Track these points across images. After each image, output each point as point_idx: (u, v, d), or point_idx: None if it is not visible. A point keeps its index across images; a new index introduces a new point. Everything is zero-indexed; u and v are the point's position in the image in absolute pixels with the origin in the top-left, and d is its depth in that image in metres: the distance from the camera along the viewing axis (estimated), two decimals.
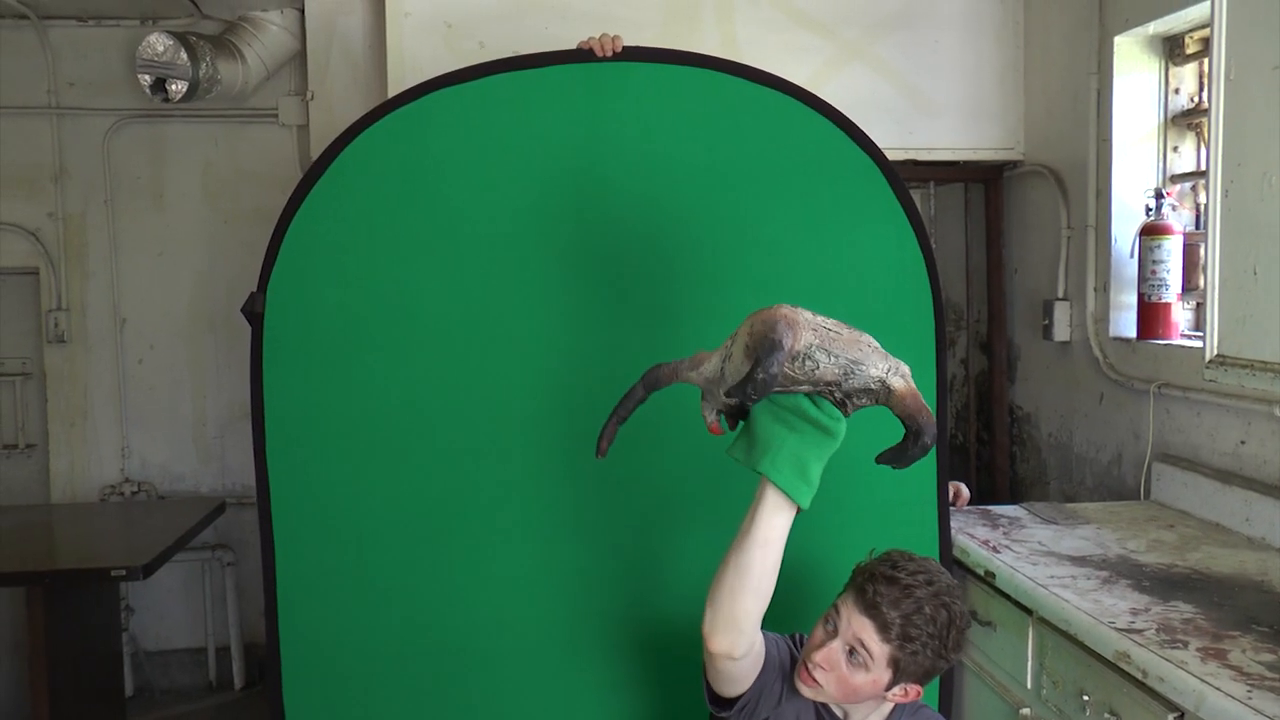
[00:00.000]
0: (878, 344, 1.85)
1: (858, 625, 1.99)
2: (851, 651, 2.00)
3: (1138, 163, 3.43)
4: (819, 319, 1.83)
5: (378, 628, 2.63)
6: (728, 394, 1.84)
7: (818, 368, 1.80)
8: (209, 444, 4.82)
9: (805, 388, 1.85)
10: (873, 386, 1.82)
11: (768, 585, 1.95)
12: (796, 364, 1.80)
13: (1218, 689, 1.84)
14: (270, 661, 2.64)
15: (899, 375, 1.83)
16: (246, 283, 2.85)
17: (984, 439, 4.37)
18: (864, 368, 1.81)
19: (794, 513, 1.93)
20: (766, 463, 1.89)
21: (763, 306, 1.87)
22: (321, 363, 2.62)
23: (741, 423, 1.95)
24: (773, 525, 1.92)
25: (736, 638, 1.97)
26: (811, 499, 1.91)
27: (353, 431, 2.61)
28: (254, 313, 2.59)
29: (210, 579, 4.83)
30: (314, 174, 2.62)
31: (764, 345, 1.77)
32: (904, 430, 1.84)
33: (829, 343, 1.80)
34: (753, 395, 1.79)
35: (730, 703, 2.12)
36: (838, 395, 1.86)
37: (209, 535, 4.62)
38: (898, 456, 1.85)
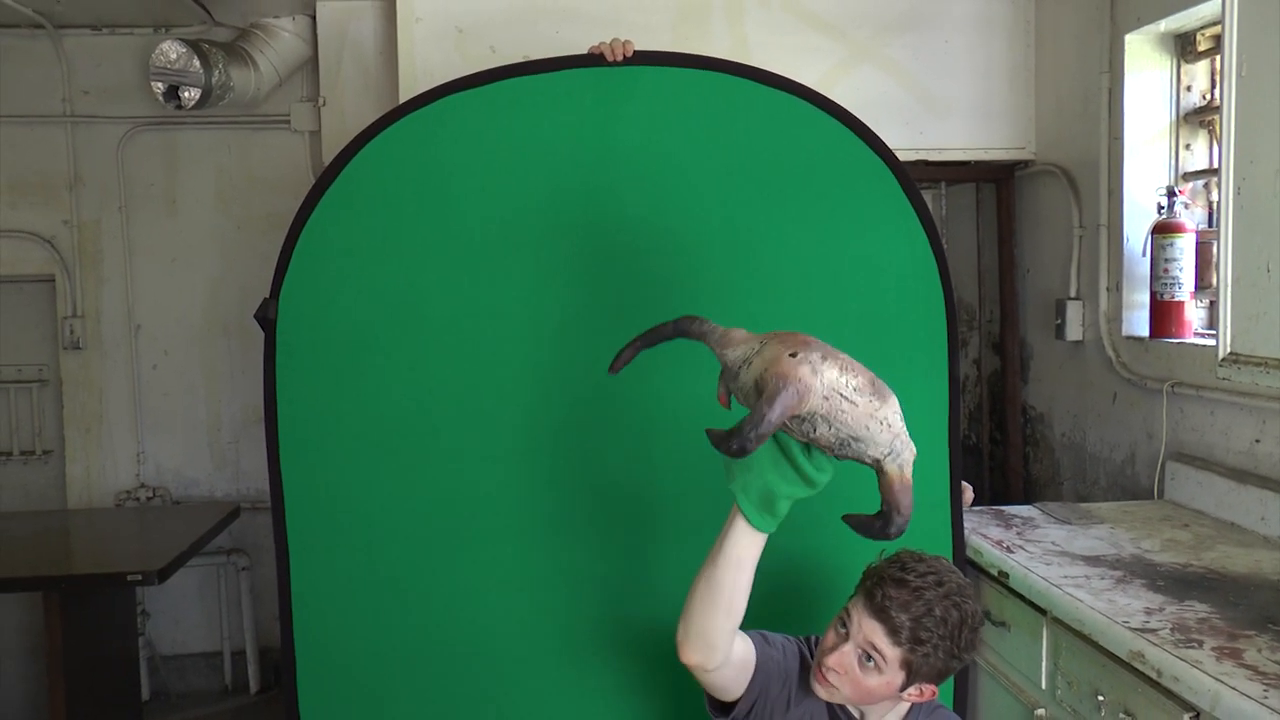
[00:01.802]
0: (896, 418, 1.81)
1: (868, 629, 1.99)
2: (864, 654, 2.00)
3: (1150, 161, 3.41)
4: (845, 380, 1.77)
5: (392, 631, 2.63)
6: (709, 433, 1.82)
7: (814, 431, 1.79)
8: (223, 449, 4.83)
9: (800, 439, 1.84)
10: (866, 462, 1.82)
11: (739, 604, 1.96)
12: (794, 423, 1.79)
13: (1233, 688, 1.83)
14: (285, 665, 2.64)
15: (896, 462, 1.81)
16: (259, 288, 2.85)
17: (997, 439, 4.36)
18: (861, 445, 1.79)
19: (763, 538, 1.93)
20: (738, 484, 1.90)
21: (802, 333, 1.85)
22: (334, 367, 2.62)
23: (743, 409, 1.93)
24: (741, 545, 1.93)
25: (708, 652, 1.99)
26: (776, 527, 1.92)
27: (366, 435, 2.62)
28: (267, 319, 2.59)
29: (225, 583, 4.84)
30: (326, 180, 2.62)
31: (755, 412, 1.75)
32: (880, 506, 1.84)
33: (835, 415, 1.77)
34: (725, 454, 1.79)
35: (728, 708, 2.12)
36: (829, 454, 1.85)
37: (224, 540, 4.63)
38: (860, 526, 1.86)
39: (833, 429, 1.78)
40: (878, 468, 1.82)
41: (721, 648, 1.99)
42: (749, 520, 1.90)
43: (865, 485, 1.89)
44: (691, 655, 1.99)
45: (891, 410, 1.81)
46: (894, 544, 2.08)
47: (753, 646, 2.10)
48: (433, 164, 2.64)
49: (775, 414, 1.73)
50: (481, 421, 2.63)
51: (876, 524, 1.83)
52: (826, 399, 1.76)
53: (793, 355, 1.78)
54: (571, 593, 2.64)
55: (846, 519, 1.88)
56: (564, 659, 2.64)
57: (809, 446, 1.85)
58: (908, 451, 1.83)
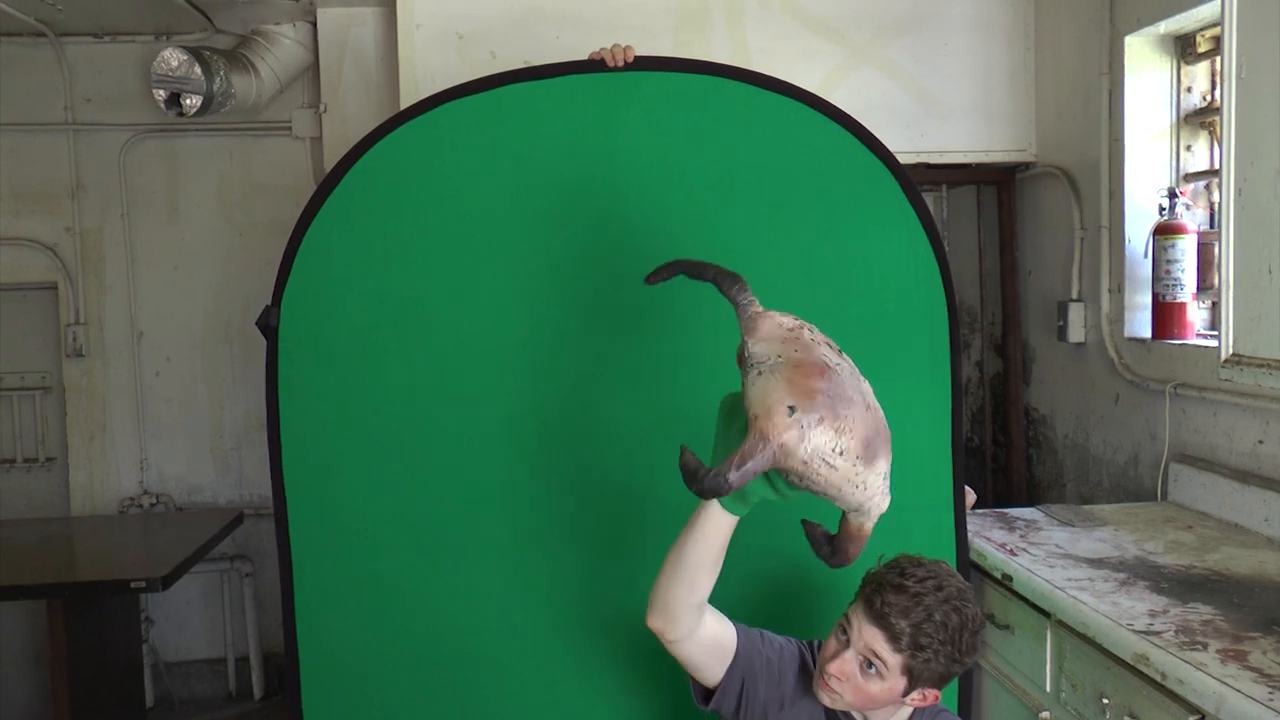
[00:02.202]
0: (879, 480, 1.84)
1: (869, 636, 1.99)
2: (865, 661, 2.00)
3: (1150, 162, 3.41)
4: (833, 446, 1.77)
5: (395, 636, 2.63)
6: (682, 463, 1.83)
7: (784, 480, 1.83)
8: (226, 455, 4.83)
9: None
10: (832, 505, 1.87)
11: (701, 581, 2.00)
12: (769, 471, 1.82)
13: (1238, 691, 1.82)
14: (289, 671, 2.64)
15: (860, 517, 1.87)
16: (261, 295, 2.86)
17: (1000, 441, 4.36)
18: (829, 499, 1.84)
19: (734, 520, 1.95)
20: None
21: (813, 377, 1.81)
22: (336, 374, 2.62)
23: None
24: (711, 522, 1.95)
25: (667, 621, 2.03)
26: (746, 512, 1.94)
27: (368, 441, 2.62)
28: (269, 326, 2.59)
29: (229, 589, 4.84)
30: (327, 186, 2.62)
31: (726, 465, 1.76)
32: (834, 539, 1.92)
33: (809, 476, 1.79)
34: (694, 492, 1.82)
35: (710, 695, 2.16)
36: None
37: (227, 546, 4.62)
38: (811, 539, 1.97)
39: (803, 483, 1.81)
40: (842, 516, 1.89)
41: (682, 620, 2.03)
42: (724, 506, 1.92)
43: None
44: (653, 620, 2.05)
45: (875, 473, 1.83)
46: (899, 549, 2.09)
47: (734, 636, 2.13)
48: (434, 170, 2.65)
49: (736, 480, 1.76)
50: (484, 427, 2.63)
51: (825, 548, 1.95)
52: (805, 463, 1.78)
53: (790, 410, 1.77)
54: (576, 598, 2.63)
55: (805, 524, 1.97)
56: (567, 664, 2.64)
57: (772, 479, 1.88)
58: (877, 511, 1.87)
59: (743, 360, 1.91)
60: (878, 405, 1.89)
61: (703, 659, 2.11)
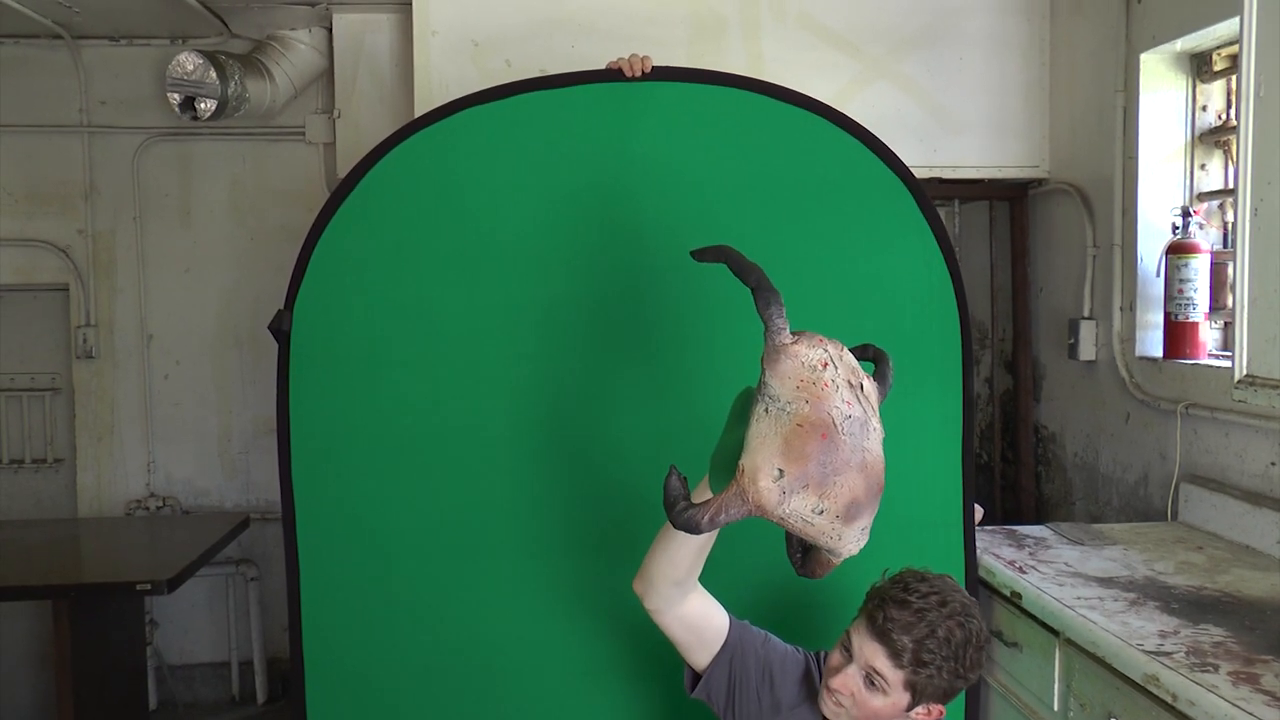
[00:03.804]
0: (853, 534, 1.85)
1: (870, 652, 1.99)
2: (868, 677, 1.99)
3: (1164, 181, 3.40)
4: (808, 510, 1.79)
5: (402, 643, 2.62)
6: (665, 487, 1.86)
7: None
8: (234, 459, 4.83)
9: None
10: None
11: (683, 559, 2.03)
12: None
13: (1250, 714, 1.80)
14: (294, 676, 2.64)
15: (835, 556, 1.89)
16: (273, 299, 2.85)
17: (1009, 458, 4.34)
18: (804, 537, 1.86)
19: None
20: (715, 485, 1.91)
21: (811, 438, 1.78)
22: (347, 379, 2.62)
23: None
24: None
25: (645, 587, 2.09)
26: None
27: (378, 447, 2.61)
28: (281, 330, 2.59)
29: (234, 593, 4.83)
30: (341, 192, 2.62)
31: (715, 508, 1.79)
32: (805, 549, 1.97)
33: (785, 523, 1.81)
34: (666, 513, 1.85)
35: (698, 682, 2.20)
36: None
37: (233, 550, 4.62)
38: (789, 545, 2.01)
39: (785, 525, 1.83)
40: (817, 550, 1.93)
41: (660, 591, 2.07)
42: (712, 487, 1.93)
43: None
44: (636, 584, 2.11)
45: (852, 529, 1.84)
46: (908, 564, 2.08)
47: (726, 624, 2.16)
48: (448, 178, 2.65)
49: (706, 524, 1.80)
50: (495, 435, 2.63)
51: (797, 555, 2.00)
52: (782, 519, 1.80)
53: (779, 474, 1.77)
54: (584, 607, 2.63)
55: (787, 539, 2.00)
56: (575, 672, 2.64)
57: None
58: (847, 553, 1.88)
59: (761, 383, 1.87)
60: (879, 458, 1.86)
61: (686, 638, 2.15)
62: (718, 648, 2.15)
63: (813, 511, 1.78)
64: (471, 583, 2.62)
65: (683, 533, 1.89)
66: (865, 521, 1.85)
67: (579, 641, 2.64)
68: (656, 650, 2.59)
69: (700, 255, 1.99)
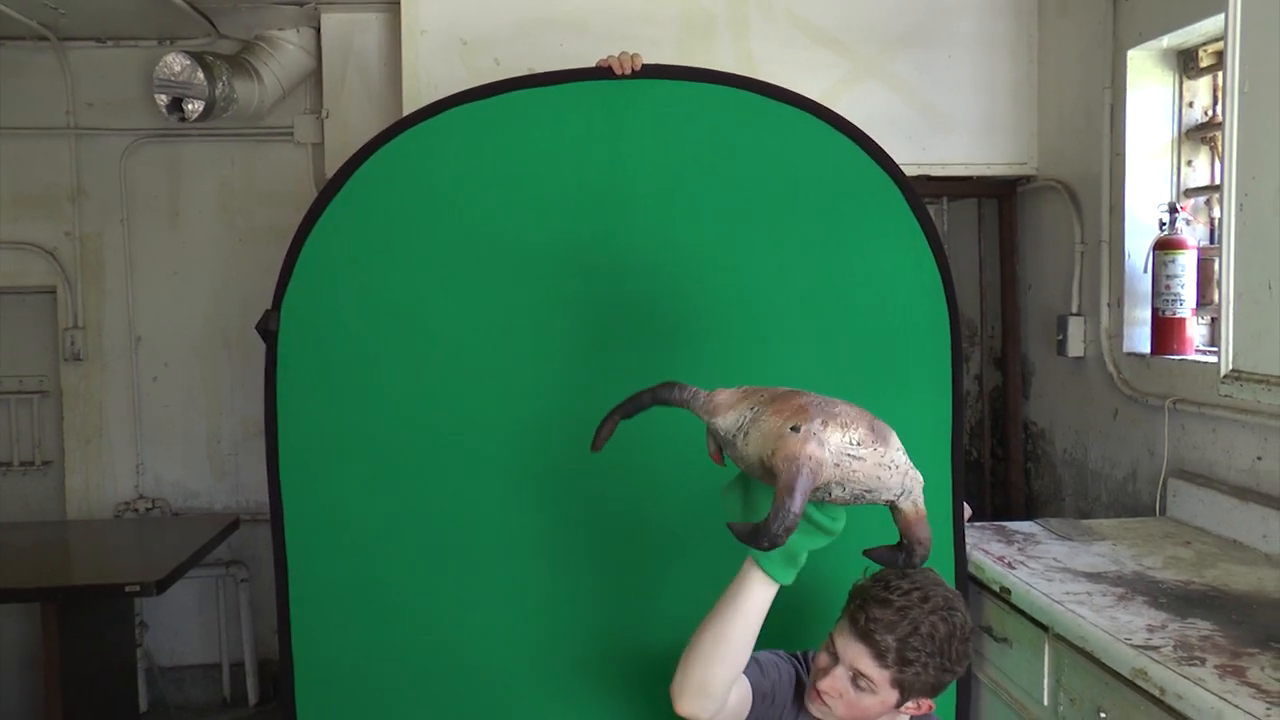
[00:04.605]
0: (901, 457, 1.85)
1: (854, 653, 1.99)
2: (854, 678, 1.99)
3: (1151, 177, 3.42)
4: (848, 437, 1.81)
5: (391, 644, 2.63)
6: (732, 530, 1.85)
7: (829, 495, 1.84)
8: (223, 461, 4.83)
9: (814, 501, 1.88)
10: (881, 504, 1.87)
11: (743, 656, 1.99)
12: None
13: (1237, 707, 1.82)
14: (284, 677, 2.64)
15: (909, 499, 1.87)
16: (261, 300, 2.85)
17: (998, 455, 4.36)
18: (874, 494, 1.84)
19: (777, 589, 1.97)
20: (760, 551, 1.91)
21: (791, 391, 1.89)
22: (335, 380, 2.63)
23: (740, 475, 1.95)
24: (755, 600, 1.96)
25: (705, 702, 1.99)
26: (795, 576, 1.96)
27: (366, 448, 2.62)
28: (268, 331, 2.59)
29: (224, 595, 4.82)
30: (329, 192, 2.63)
31: (779, 505, 1.76)
32: (899, 538, 1.90)
33: (847, 475, 1.81)
34: (758, 548, 1.81)
35: None
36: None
37: (223, 552, 4.61)
38: (886, 561, 1.94)
39: (847, 489, 1.83)
40: (893, 508, 1.88)
41: (720, 698, 2.00)
42: (773, 576, 1.94)
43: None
44: (688, 706, 2.00)
45: (894, 449, 1.85)
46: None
47: (748, 685, 2.10)
48: (437, 177, 2.65)
49: (798, 503, 1.76)
50: (484, 436, 2.63)
51: (900, 556, 1.91)
52: (837, 465, 1.80)
53: (795, 430, 1.80)
54: (573, 609, 2.64)
55: (869, 554, 1.94)
56: (565, 675, 2.65)
57: (820, 504, 1.90)
58: (917, 486, 1.88)
59: (720, 441, 1.95)
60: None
61: (733, 717, 2.08)
62: (749, 708, 2.11)
63: (852, 444, 1.80)
64: (461, 584, 2.63)
65: (741, 626, 1.95)
66: (898, 443, 1.86)
67: (570, 643, 2.65)
68: (647, 652, 2.61)
69: (599, 442, 2.08)
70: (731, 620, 1.96)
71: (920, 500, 1.88)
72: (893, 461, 1.83)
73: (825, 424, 1.80)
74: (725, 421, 1.92)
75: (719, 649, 1.97)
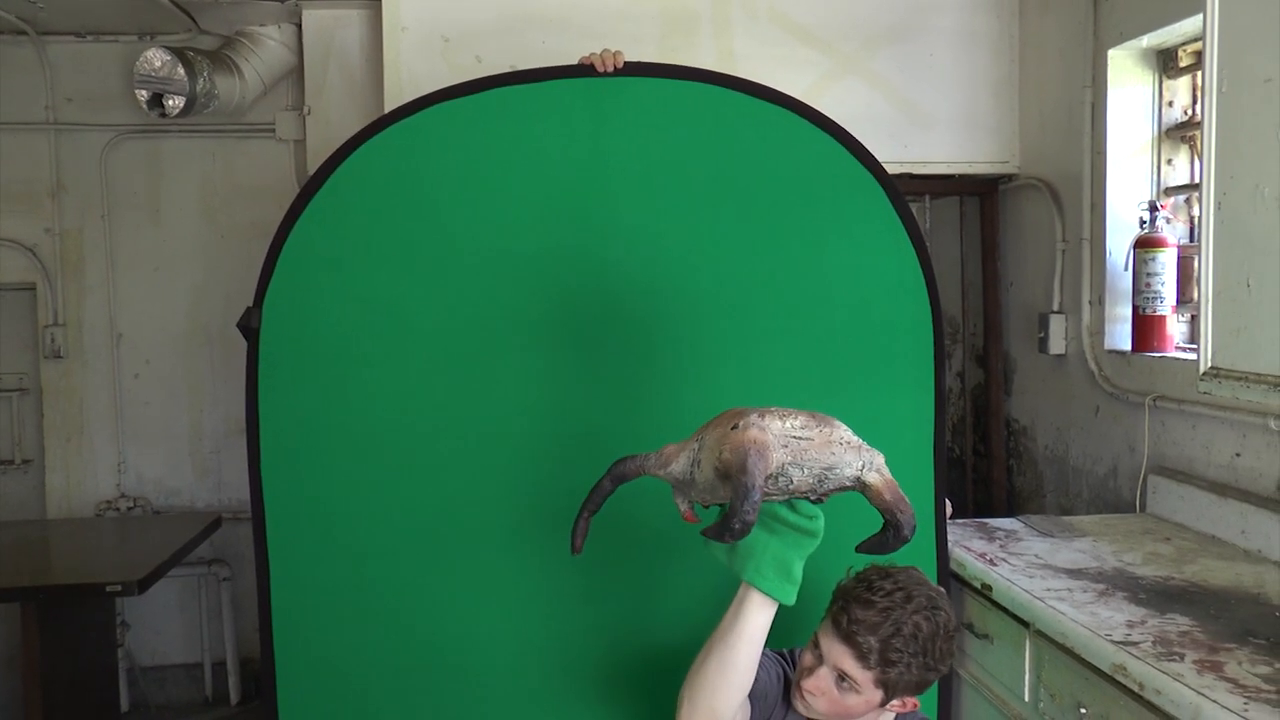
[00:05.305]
0: (849, 435, 1.88)
1: (837, 655, 2.00)
2: (838, 678, 2.00)
3: (1132, 175, 3.44)
4: (788, 424, 1.84)
5: (373, 643, 2.63)
6: (705, 534, 1.87)
7: (791, 483, 1.85)
8: (205, 459, 4.82)
9: (780, 498, 1.89)
10: (848, 484, 1.87)
11: (749, 678, 2.00)
12: (770, 482, 1.83)
13: (1214, 701, 1.84)
14: (266, 677, 2.64)
15: (874, 470, 1.87)
16: (243, 297, 2.85)
17: (980, 452, 4.38)
18: (837, 471, 1.85)
19: (776, 607, 1.97)
20: (751, 570, 1.94)
21: (727, 410, 1.92)
22: (317, 377, 2.62)
23: (718, 508, 1.94)
24: (756, 623, 1.97)
25: None
26: (796, 594, 1.96)
27: (348, 446, 2.62)
28: (250, 328, 2.59)
29: (206, 594, 4.82)
30: (311, 188, 2.62)
31: (738, 487, 1.78)
32: (882, 522, 1.89)
33: (801, 456, 1.83)
34: (731, 539, 1.83)
35: None
36: (812, 498, 1.91)
37: (205, 550, 4.60)
38: (878, 547, 1.91)
39: (805, 470, 1.84)
40: (860, 485, 1.87)
41: (728, 716, 2.00)
42: (774, 595, 1.94)
43: (853, 498, 1.91)
44: None
45: (841, 428, 1.88)
46: (862, 560, 2.06)
47: (749, 704, 2.10)
48: (419, 173, 2.65)
49: (755, 478, 1.78)
50: (466, 433, 2.63)
51: (888, 536, 1.89)
52: (786, 446, 1.83)
53: (735, 427, 1.84)
54: (557, 607, 2.64)
55: (860, 549, 1.93)
56: (548, 676, 2.65)
57: (790, 502, 1.91)
58: (878, 457, 1.89)
59: (681, 489, 1.98)
60: None
61: None
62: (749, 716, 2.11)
63: (796, 427, 1.83)
64: (443, 582, 2.63)
65: (746, 649, 1.96)
66: (843, 425, 1.88)
67: (554, 644, 2.65)
68: (632, 649, 2.61)
69: (579, 543, 2.07)
70: (735, 646, 1.97)
71: (886, 470, 1.89)
72: (842, 439, 1.86)
73: (763, 415, 1.85)
74: (679, 466, 1.94)
75: (725, 676, 1.98)
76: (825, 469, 1.84)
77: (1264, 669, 1.98)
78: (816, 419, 1.87)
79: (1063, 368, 3.75)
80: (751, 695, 2.10)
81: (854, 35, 3.85)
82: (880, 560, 2.03)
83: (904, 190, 3.66)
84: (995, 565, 2.67)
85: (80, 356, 4.72)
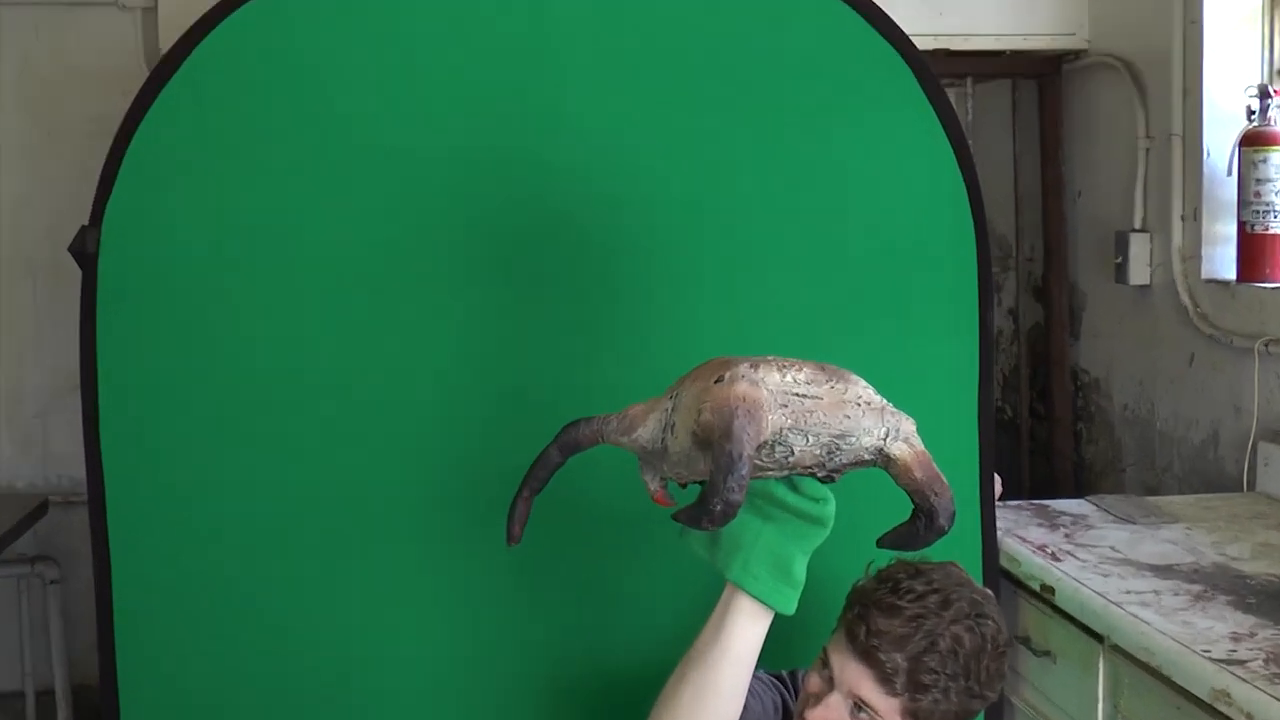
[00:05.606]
0: (869, 393, 1.83)
1: (853, 677, 1.96)
2: (854, 707, 1.97)
3: (1236, 52, 3.43)
4: (789, 377, 1.79)
5: (241, 661, 2.62)
6: (676, 518, 1.82)
7: (791, 454, 1.80)
8: (27, 425, 4.80)
9: (778, 474, 1.84)
10: (866, 458, 1.82)
11: (735, 706, 1.94)
12: (764, 453, 1.78)
13: None
14: (106, 708, 2.62)
15: (900, 439, 1.82)
16: (77, 214, 2.81)
17: (1039, 413, 4.39)
18: (852, 440, 1.80)
19: (771, 617, 1.91)
20: (737, 567, 1.88)
21: (710, 359, 1.87)
22: (172, 318, 2.59)
23: (698, 487, 1.89)
24: (745, 638, 1.91)
25: None
26: (797, 601, 1.90)
27: (212, 409, 2.59)
28: (86, 253, 2.55)
29: (28, 601, 4.78)
30: (164, 73, 2.58)
31: (720, 456, 1.73)
32: (912, 507, 1.83)
33: (804, 419, 1.77)
34: (711, 526, 1.76)
35: None
36: (820, 474, 1.86)
37: (27, 544, 4.57)
38: (906, 540, 1.86)
39: (810, 437, 1.79)
40: (883, 458, 1.83)
41: None
42: (768, 602, 1.88)
43: (883, 479, 1.88)
44: None
45: (858, 384, 1.83)
46: (886, 556, 2.04)
47: None
48: (304, 55, 2.61)
49: (743, 445, 1.72)
50: (365, 391, 2.62)
51: (919, 526, 1.83)
52: (784, 405, 1.77)
53: (718, 380, 1.78)
54: (485, 617, 2.64)
55: (883, 543, 1.88)
56: (476, 703, 2.65)
57: (791, 479, 1.86)
58: (906, 422, 1.84)
59: (650, 462, 1.93)
60: None
61: None
62: None
63: (799, 383, 1.78)
64: (337, 585, 2.63)
65: (734, 671, 1.90)
66: (861, 379, 1.84)
67: (481, 661, 2.65)
68: (583, 671, 2.63)
69: (516, 533, 2.01)
70: (716, 666, 1.91)
71: (916, 439, 1.84)
72: (859, 398, 1.81)
73: (756, 366, 1.79)
74: (647, 431, 1.89)
75: (704, 701, 1.92)
76: (837, 437, 1.80)
77: None
78: (826, 372, 1.82)
79: (1146, 302, 3.75)
80: None
81: None
82: (909, 556, 2.01)
83: (940, 72, 3.62)
84: (1059, 561, 2.67)
85: None
